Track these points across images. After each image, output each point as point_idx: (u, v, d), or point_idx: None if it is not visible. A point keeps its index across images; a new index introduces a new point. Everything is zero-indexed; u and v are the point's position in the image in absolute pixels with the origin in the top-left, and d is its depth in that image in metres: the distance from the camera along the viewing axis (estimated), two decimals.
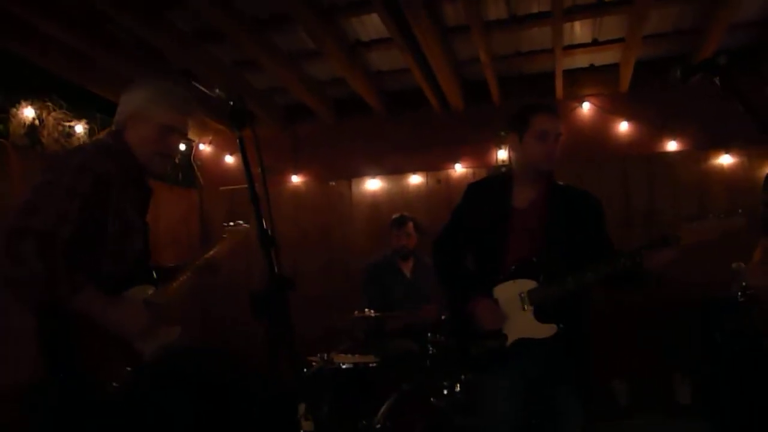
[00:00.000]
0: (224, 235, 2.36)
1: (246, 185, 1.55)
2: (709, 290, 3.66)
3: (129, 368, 1.74)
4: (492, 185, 2.62)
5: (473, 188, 2.66)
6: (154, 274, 2.01)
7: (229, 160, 5.71)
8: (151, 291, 1.93)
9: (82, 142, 4.20)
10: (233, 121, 1.57)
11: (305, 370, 3.52)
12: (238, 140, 1.52)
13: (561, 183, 2.57)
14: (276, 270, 1.35)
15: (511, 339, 2.34)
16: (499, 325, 2.34)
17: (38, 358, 1.66)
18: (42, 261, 1.62)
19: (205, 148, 5.79)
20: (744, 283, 2.66)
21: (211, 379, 1.96)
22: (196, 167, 5.71)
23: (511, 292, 2.37)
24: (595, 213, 2.48)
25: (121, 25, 3.80)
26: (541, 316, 2.32)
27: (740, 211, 2.08)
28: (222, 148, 5.75)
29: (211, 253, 2.23)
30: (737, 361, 3.13)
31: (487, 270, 2.47)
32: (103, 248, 1.81)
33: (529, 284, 2.34)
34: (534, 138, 2.41)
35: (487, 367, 2.41)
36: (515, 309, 2.35)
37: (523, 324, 2.33)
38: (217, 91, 1.63)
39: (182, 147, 5.55)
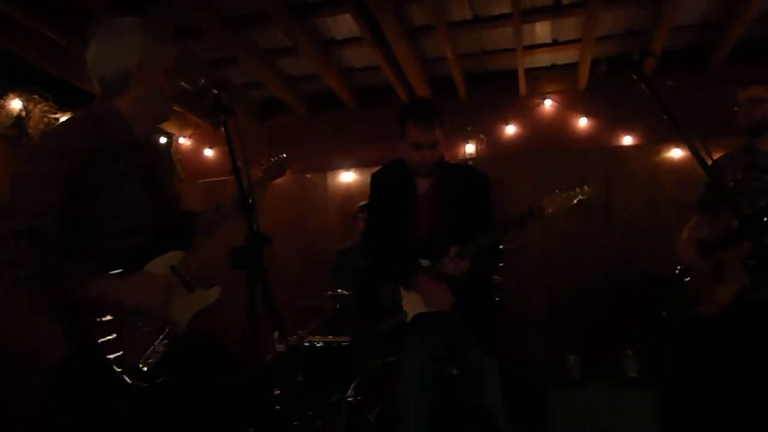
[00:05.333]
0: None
1: (222, 177, 1.67)
2: (658, 269, 3.97)
3: (165, 342, 1.66)
4: (394, 173, 2.67)
5: (377, 178, 2.77)
6: (186, 237, 1.87)
7: (208, 153, 5.90)
8: (179, 256, 1.79)
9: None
10: (216, 111, 1.73)
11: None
12: (222, 127, 1.67)
13: (453, 163, 2.72)
14: (254, 228, 1.56)
15: (410, 314, 2.48)
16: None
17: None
18: (34, 261, 1.57)
19: (184, 141, 5.97)
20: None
21: (199, 366, 1.85)
22: (175, 160, 5.89)
23: None
24: (479, 188, 2.61)
25: (103, 21, 3.98)
26: None
27: (586, 187, 2.43)
28: (201, 141, 5.94)
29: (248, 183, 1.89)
30: (681, 335, 3.42)
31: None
32: (95, 229, 1.69)
33: (425, 263, 2.46)
34: (408, 146, 2.52)
35: (395, 341, 2.55)
36: None
37: (419, 300, 2.48)
38: (202, 81, 1.78)
39: (163, 140, 5.72)
